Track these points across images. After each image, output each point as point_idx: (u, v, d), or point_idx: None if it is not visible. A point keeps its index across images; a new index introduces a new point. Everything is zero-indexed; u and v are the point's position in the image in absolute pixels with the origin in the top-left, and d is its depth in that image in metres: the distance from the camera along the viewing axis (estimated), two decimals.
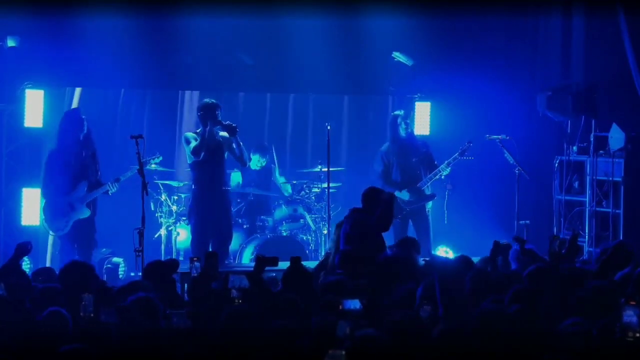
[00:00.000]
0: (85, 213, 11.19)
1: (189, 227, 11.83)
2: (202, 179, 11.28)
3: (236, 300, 7.17)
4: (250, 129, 13.15)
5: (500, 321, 6.12)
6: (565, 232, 12.32)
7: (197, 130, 11.26)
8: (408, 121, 12.19)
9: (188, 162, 11.49)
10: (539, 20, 13.46)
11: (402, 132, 12.05)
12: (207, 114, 11.13)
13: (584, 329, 6.06)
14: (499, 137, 12.40)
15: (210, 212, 11.22)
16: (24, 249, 8.28)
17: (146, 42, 12.16)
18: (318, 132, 13.17)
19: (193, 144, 11.16)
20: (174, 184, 12.86)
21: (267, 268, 7.93)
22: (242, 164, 11.58)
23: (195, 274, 8.02)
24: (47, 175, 11.26)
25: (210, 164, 11.20)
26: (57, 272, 8.31)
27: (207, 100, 11.34)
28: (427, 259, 8.46)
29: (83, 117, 11.24)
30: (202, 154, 11.12)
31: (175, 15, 12.09)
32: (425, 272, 7.68)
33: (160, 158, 11.87)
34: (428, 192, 12.18)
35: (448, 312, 6.55)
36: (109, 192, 11.28)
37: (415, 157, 12.11)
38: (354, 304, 6.66)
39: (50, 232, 11.47)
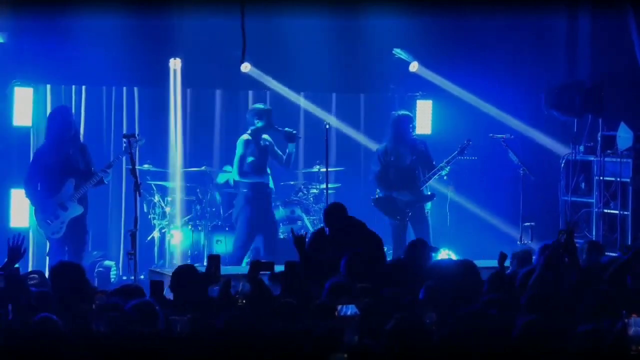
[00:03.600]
0: (78, 210, 10.87)
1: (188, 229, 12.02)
2: (254, 183, 11.68)
3: (240, 301, 7.12)
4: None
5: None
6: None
7: (249, 132, 11.63)
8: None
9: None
10: (544, 17, 13.29)
11: (412, 134, 11.87)
12: (261, 119, 11.57)
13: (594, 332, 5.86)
14: (503, 136, 12.30)
15: (258, 215, 11.68)
16: (18, 253, 7.89)
17: (138, 40, 11.99)
18: (317, 130, 12.99)
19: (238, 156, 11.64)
20: (168, 184, 12.63)
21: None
22: (286, 168, 12.01)
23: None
24: (30, 175, 10.93)
25: (260, 169, 11.67)
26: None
27: (260, 105, 11.75)
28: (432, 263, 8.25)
29: (71, 116, 11.04)
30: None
31: (169, 13, 11.91)
32: (429, 276, 7.50)
33: (143, 140, 11.45)
34: (427, 192, 11.94)
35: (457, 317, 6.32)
36: (105, 181, 10.97)
37: (414, 156, 11.87)
38: (351, 309, 6.51)
39: (47, 236, 11.07)
